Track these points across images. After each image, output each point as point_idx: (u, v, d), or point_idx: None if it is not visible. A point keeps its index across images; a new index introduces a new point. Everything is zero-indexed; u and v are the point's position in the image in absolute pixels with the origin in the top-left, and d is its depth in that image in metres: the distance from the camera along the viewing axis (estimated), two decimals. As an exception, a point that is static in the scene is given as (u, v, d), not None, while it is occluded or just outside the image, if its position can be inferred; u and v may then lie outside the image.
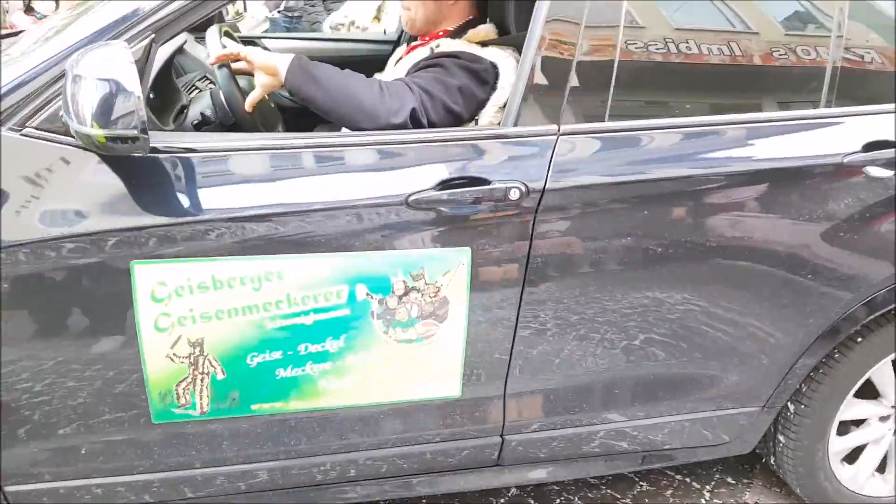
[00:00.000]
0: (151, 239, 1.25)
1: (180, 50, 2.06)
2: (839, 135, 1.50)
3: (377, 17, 3.86)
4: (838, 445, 1.79)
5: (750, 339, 1.56)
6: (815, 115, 1.51)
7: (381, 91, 1.42)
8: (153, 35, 1.29)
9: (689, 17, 1.50)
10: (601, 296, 1.47)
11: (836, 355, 1.66)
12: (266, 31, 5.07)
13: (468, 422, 1.54)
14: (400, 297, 1.37)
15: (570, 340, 1.49)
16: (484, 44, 1.63)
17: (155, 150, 1.27)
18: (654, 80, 1.49)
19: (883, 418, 1.81)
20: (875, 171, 1.48)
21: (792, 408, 1.72)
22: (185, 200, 1.28)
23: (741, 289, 1.51)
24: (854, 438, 1.82)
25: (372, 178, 1.35)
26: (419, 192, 1.33)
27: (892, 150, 1.49)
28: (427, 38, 1.73)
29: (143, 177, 1.27)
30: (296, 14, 5.31)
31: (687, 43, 1.47)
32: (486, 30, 1.68)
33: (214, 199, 1.29)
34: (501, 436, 1.57)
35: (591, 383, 1.56)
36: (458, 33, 1.68)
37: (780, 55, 1.51)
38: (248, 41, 2.42)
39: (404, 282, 1.36)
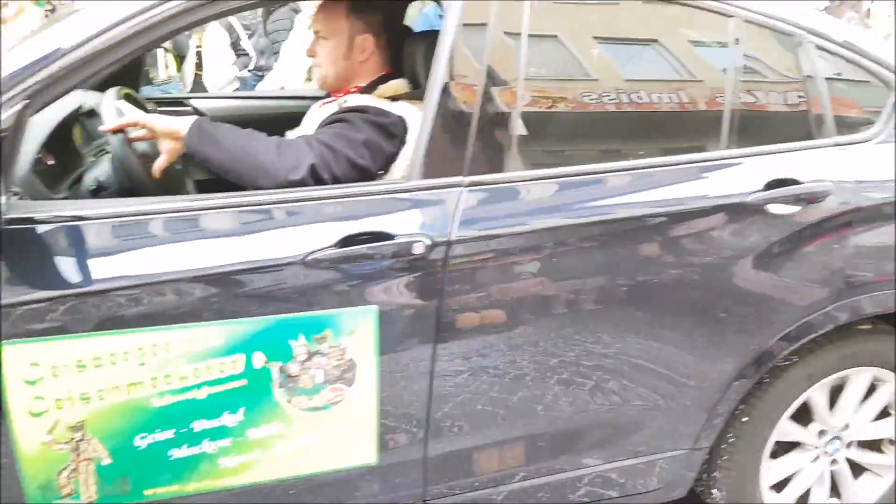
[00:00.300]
0: (21, 316, 1.15)
1: (92, 113, 1.99)
2: (742, 175, 1.51)
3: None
4: (782, 500, 1.77)
5: (670, 380, 1.53)
6: (719, 157, 1.52)
7: (279, 148, 1.38)
8: (27, 101, 1.21)
9: (589, 67, 1.52)
10: (518, 345, 1.42)
11: (732, 439, 1.66)
12: (236, 90, 5.03)
13: (388, 489, 1.45)
14: (303, 363, 1.29)
15: (489, 394, 1.44)
16: (394, 98, 1.62)
17: (31, 220, 1.19)
18: (557, 128, 1.49)
19: (814, 459, 1.79)
20: (777, 209, 1.50)
21: (716, 493, 1.71)
22: (60, 272, 1.19)
23: (657, 332, 1.49)
24: (794, 490, 1.79)
25: (267, 238, 1.29)
26: (318, 250, 1.27)
27: (793, 187, 1.51)
28: (338, 95, 1.71)
29: (13, 249, 1.17)
30: (266, 73, 5.30)
31: (589, 92, 1.49)
32: (397, 85, 1.67)
33: (93, 268, 1.21)
34: (424, 501, 1.49)
35: (516, 438, 1.50)
36: (369, 89, 1.67)
37: (681, 100, 1.54)
38: (175, 102, 2.37)
39: (306, 346, 1.28)
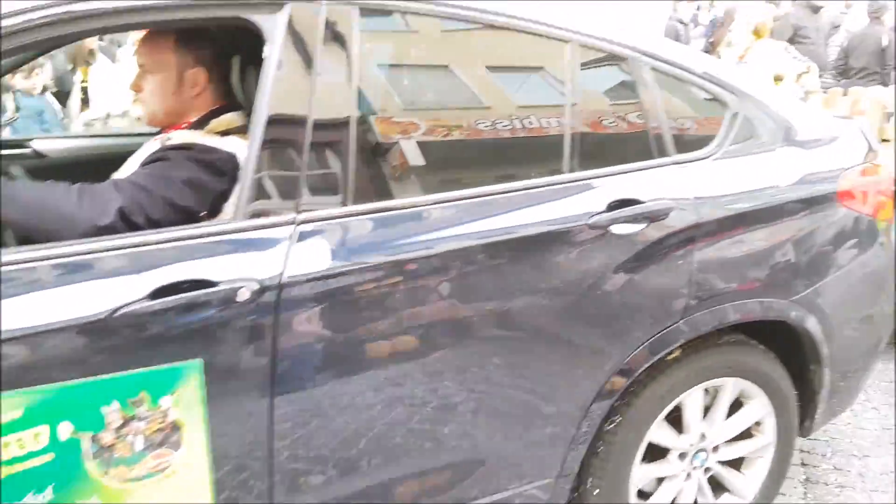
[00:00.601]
0: None
1: None
2: (584, 198, 1.51)
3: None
4: None
5: (529, 409, 1.51)
6: (562, 181, 1.52)
7: (80, 196, 1.28)
8: None
9: (426, 94, 1.49)
10: (364, 388, 1.35)
11: (593, 487, 1.64)
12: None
13: (234, 555, 1.34)
14: (117, 430, 1.17)
15: (336, 442, 1.36)
16: (226, 133, 1.53)
17: None
18: (394, 159, 1.45)
19: (686, 478, 1.81)
20: (620, 229, 1.51)
21: None
22: None
23: (508, 361, 1.46)
24: None
25: (66, 294, 1.16)
26: (126, 304, 1.17)
27: (634, 207, 1.53)
28: (168, 131, 1.60)
29: None
30: None
31: (426, 121, 1.46)
32: (230, 118, 1.58)
33: None
34: (276, 562, 1.39)
35: (371, 486, 1.42)
36: (200, 124, 1.57)
37: (524, 126, 1.53)
38: (14, 144, 2.19)
39: (120, 412, 1.17)
